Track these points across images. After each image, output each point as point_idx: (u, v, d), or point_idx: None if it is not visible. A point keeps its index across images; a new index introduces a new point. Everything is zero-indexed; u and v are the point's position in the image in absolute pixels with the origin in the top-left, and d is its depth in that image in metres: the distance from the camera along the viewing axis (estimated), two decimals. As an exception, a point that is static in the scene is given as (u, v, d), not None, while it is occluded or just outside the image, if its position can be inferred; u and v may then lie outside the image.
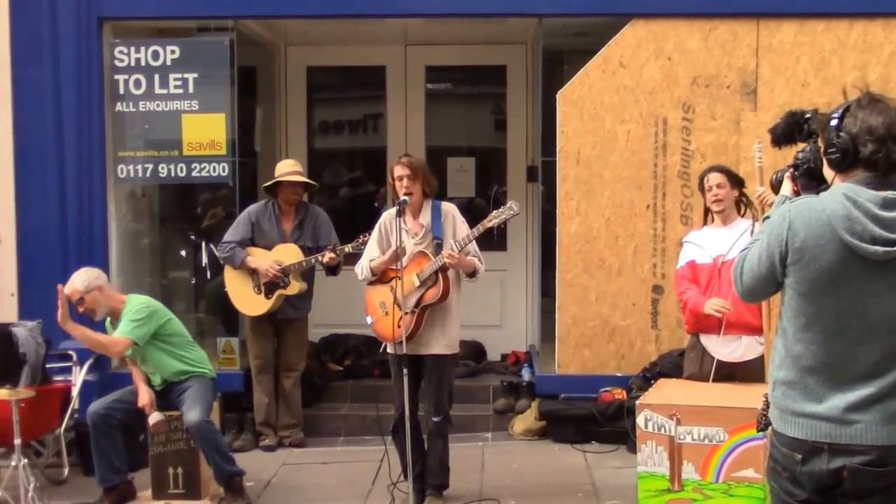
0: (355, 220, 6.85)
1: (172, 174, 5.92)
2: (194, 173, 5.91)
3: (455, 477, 4.63)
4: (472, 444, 5.65)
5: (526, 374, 6.22)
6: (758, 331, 4.13)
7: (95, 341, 4.54)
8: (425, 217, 4.47)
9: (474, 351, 6.68)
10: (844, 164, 2.26)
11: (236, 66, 5.90)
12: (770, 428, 2.40)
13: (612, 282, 5.73)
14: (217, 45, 5.91)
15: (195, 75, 5.85)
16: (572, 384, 5.73)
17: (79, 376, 5.34)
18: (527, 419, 5.85)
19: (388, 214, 4.48)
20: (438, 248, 4.35)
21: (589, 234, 5.74)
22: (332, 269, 5.52)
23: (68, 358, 5.44)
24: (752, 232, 4.07)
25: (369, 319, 4.54)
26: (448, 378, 4.51)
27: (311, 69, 7.13)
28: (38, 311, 5.40)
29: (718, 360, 4.24)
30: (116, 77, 5.87)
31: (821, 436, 2.23)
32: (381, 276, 4.48)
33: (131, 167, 5.95)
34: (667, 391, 4.23)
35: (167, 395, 4.67)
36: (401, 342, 4.20)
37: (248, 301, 5.57)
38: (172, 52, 5.86)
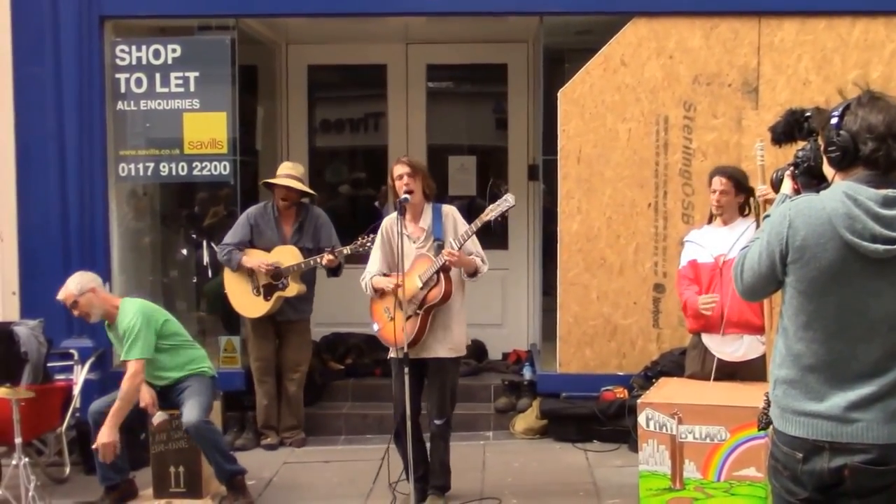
0: (356, 218, 6.85)
1: (173, 173, 5.93)
2: (195, 172, 5.91)
3: (456, 476, 4.63)
4: (473, 443, 5.65)
5: (527, 373, 6.22)
6: (759, 330, 4.12)
7: (125, 397, 4.41)
8: (426, 220, 4.46)
9: (475, 350, 6.67)
10: (845, 163, 2.26)
11: (237, 65, 5.90)
12: (771, 427, 2.39)
13: (614, 280, 5.73)
14: (218, 44, 5.91)
15: (196, 74, 5.85)
16: (574, 383, 5.73)
17: (80, 375, 5.35)
18: (528, 418, 5.85)
19: (390, 220, 4.47)
20: (439, 250, 4.34)
21: (590, 232, 5.73)
22: (333, 271, 5.52)
23: (69, 357, 5.45)
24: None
25: (375, 327, 4.54)
26: (451, 381, 4.50)
27: (312, 68, 7.13)
28: (39, 310, 5.41)
29: (720, 360, 4.24)
30: (118, 76, 5.87)
31: (822, 434, 2.23)
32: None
33: (132, 166, 5.95)
34: (668, 390, 4.23)
35: (168, 395, 4.67)
36: (403, 346, 4.21)
37: (247, 303, 5.57)
38: (173, 50, 5.86)
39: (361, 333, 6.52)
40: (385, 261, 4.49)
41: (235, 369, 5.91)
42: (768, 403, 2.42)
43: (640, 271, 5.72)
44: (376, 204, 7.15)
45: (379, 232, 4.55)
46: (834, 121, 2.26)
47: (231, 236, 5.58)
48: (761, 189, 3.92)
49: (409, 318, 4.26)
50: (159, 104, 5.87)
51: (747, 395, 3.76)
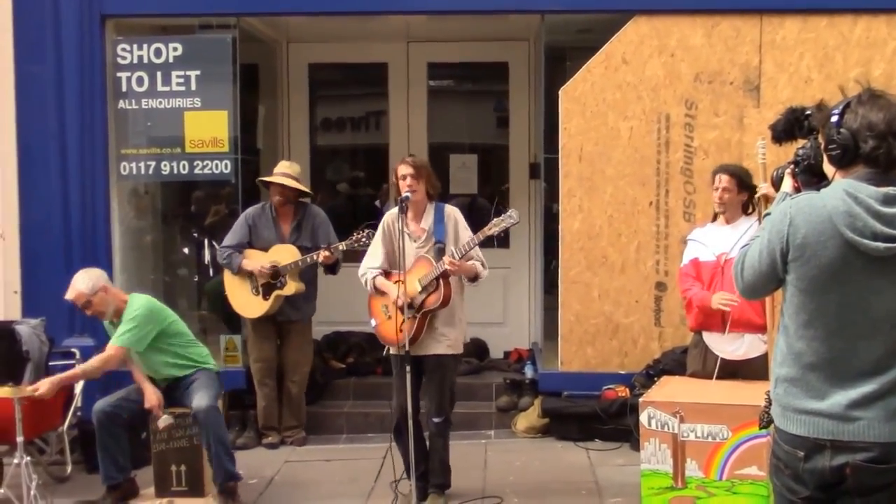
0: (357, 217, 6.84)
1: (175, 171, 5.93)
2: (197, 170, 5.91)
3: (458, 474, 4.63)
4: (474, 442, 5.65)
5: (529, 372, 6.21)
6: (761, 328, 4.12)
7: (87, 371, 4.47)
8: (427, 221, 4.46)
9: (477, 348, 6.67)
10: (845, 161, 2.25)
11: (238, 64, 5.90)
12: (772, 425, 2.39)
13: (615, 279, 5.72)
14: (219, 43, 5.92)
15: (197, 73, 5.85)
16: (575, 381, 5.72)
17: (82, 374, 5.34)
18: (530, 417, 5.84)
19: (391, 215, 4.47)
20: (440, 253, 4.35)
21: (591, 231, 5.73)
22: (330, 268, 5.51)
23: (71, 356, 5.45)
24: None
25: (373, 322, 4.54)
26: (450, 379, 4.50)
27: (313, 66, 7.12)
28: (41, 309, 5.43)
29: (722, 358, 4.23)
30: (119, 74, 5.87)
31: (823, 433, 2.23)
32: (386, 279, 4.46)
33: (134, 164, 5.95)
34: (670, 389, 4.22)
35: (171, 393, 4.68)
36: (403, 345, 4.21)
37: (247, 303, 5.57)
38: (175, 49, 5.86)
39: (362, 332, 6.52)
40: (386, 255, 4.48)
41: (237, 368, 5.91)
42: (769, 402, 2.41)
43: (641, 270, 5.71)
44: (377, 203, 7.15)
45: (380, 226, 4.55)
46: (834, 119, 2.26)
47: (230, 238, 5.58)
48: (763, 187, 3.91)
49: (405, 319, 4.26)
50: (160, 103, 5.87)
51: (749, 394, 3.76)
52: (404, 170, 4.40)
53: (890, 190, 2.19)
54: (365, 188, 7.41)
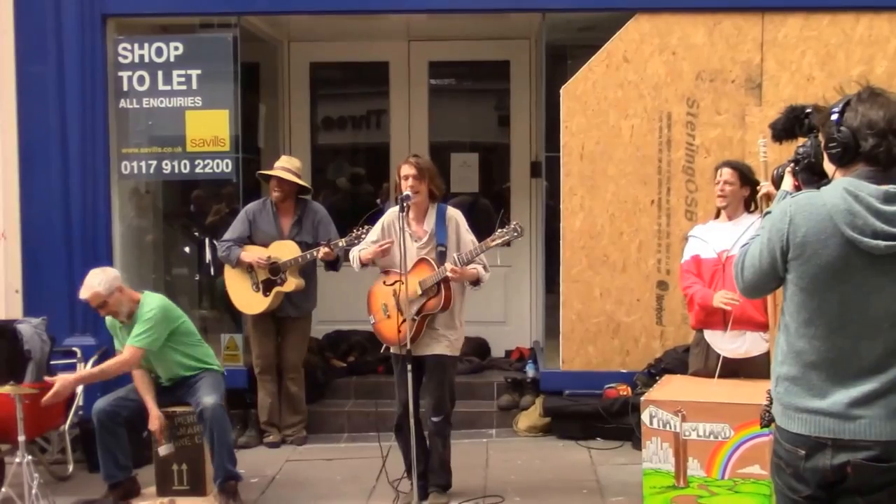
0: (358, 216, 6.82)
1: (176, 170, 5.94)
2: (198, 170, 5.92)
3: (459, 473, 4.63)
4: (476, 441, 5.64)
5: (530, 371, 6.21)
6: (762, 326, 4.11)
7: (106, 372, 4.50)
8: (429, 222, 4.45)
9: (478, 347, 6.67)
10: (845, 159, 2.25)
11: (239, 63, 5.90)
12: (773, 424, 2.38)
13: (617, 278, 5.72)
14: (220, 42, 5.92)
15: (199, 72, 5.85)
16: (577, 380, 5.72)
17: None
18: (531, 416, 5.84)
19: (392, 213, 4.46)
20: (441, 256, 4.34)
21: (593, 229, 5.72)
22: (331, 265, 5.51)
23: (73, 355, 5.47)
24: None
25: (372, 319, 4.54)
26: (449, 378, 4.50)
27: (314, 65, 7.12)
28: (42, 308, 5.43)
29: (723, 357, 4.22)
30: (120, 74, 5.88)
31: (824, 431, 2.22)
32: (385, 279, 4.46)
33: (135, 163, 5.96)
34: (672, 387, 4.22)
35: (175, 391, 4.68)
36: (404, 344, 4.21)
37: (247, 299, 5.58)
38: (176, 48, 5.86)
39: (364, 331, 6.49)
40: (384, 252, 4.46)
41: (238, 367, 5.91)
42: (771, 401, 2.41)
43: (643, 268, 5.71)
44: (378, 201, 7.15)
45: (378, 223, 4.53)
46: (834, 117, 2.25)
47: (230, 232, 5.59)
48: (764, 186, 3.90)
49: (404, 321, 4.25)
50: (162, 102, 5.88)
51: (751, 393, 3.75)
52: (407, 170, 4.38)
53: (890, 188, 2.19)
54: (366, 187, 7.40)
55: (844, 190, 2.20)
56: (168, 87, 5.86)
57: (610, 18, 5.76)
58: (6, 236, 5.84)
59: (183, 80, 5.86)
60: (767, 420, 2.45)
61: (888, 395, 2.20)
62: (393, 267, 4.44)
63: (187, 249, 6.87)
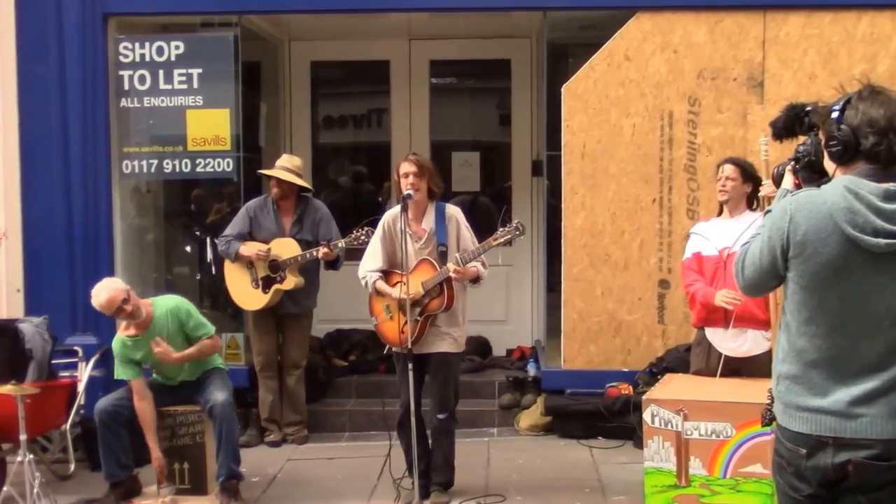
0: (359, 214, 6.83)
1: (177, 169, 5.94)
2: (199, 169, 5.93)
3: (461, 472, 4.63)
4: (477, 440, 5.64)
5: (531, 370, 6.20)
6: (764, 324, 4.10)
7: (202, 351, 4.65)
8: (429, 221, 4.44)
9: (479, 346, 6.67)
10: (845, 157, 2.24)
11: (240, 62, 5.90)
12: (775, 423, 2.38)
13: (618, 276, 5.71)
14: (221, 41, 5.92)
15: (199, 71, 5.86)
16: (578, 379, 5.72)
17: (84, 372, 5.36)
18: (532, 414, 5.84)
19: (391, 214, 4.45)
20: (442, 256, 4.33)
21: (594, 228, 5.72)
22: (331, 264, 5.51)
23: (74, 354, 5.47)
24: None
25: (374, 321, 4.54)
26: (453, 376, 4.50)
27: (315, 64, 7.12)
28: (44, 307, 5.43)
29: (725, 356, 4.22)
30: (121, 73, 5.88)
31: (825, 430, 2.22)
32: (386, 279, 4.45)
33: (136, 163, 5.96)
34: (673, 386, 4.21)
35: (183, 390, 4.70)
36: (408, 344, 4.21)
37: (246, 295, 5.58)
38: (177, 47, 5.86)
39: (365, 330, 6.49)
40: (386, 256, 4.46)
41: (239, 366, 5.91)
42: (772, 399, 2.40)
43: (644, 267, 5.70)
44: (380, 199, 7.14)
45: (379, 225, 4.53)
46: (835, 115, 2.25)
47: (230, 228, 5.59)
48: (766, 184, 3.89)
49: (407, 321, 4.25)
50: (163, 101, 5.88)
51: (753, 391, 3.74)
52: (407, 168, 4.37)
53: (890, 186, 2.18)
54: (367, 185, 7.40)
55: (845, 188, 2.19)
56: (169, 87, 5.86)
57: (611, 17, 5.76)
58: (7, 235, 5.84)
59: (184, 79, 5.86)
60: (769, 419, 2.45)
61: (889, 394, 2.19)
62: (394, 268, 4.43)
63: (188, 249, 6.87)
